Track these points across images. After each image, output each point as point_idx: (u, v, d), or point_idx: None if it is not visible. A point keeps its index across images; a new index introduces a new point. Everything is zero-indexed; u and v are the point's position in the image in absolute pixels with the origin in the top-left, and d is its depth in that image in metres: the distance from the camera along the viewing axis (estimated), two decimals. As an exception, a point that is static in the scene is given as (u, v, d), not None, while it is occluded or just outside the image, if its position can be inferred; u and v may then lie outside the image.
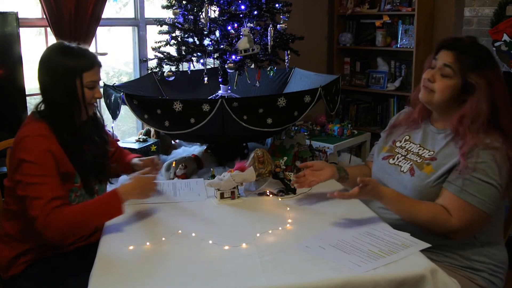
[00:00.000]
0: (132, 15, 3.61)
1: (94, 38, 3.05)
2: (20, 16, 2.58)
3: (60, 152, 1.61)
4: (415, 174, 1.65)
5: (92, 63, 1.68)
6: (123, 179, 2.44)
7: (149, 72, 3.06)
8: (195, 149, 3.20)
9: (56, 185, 1.56)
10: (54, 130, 1.62)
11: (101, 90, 1.82)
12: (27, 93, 2.82)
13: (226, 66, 2.73)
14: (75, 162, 1.66)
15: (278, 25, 2.85)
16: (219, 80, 3.03)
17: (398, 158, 1.76)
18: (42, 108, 1.67)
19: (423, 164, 1.65)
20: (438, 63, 1.62)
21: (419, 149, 1.72)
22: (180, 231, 1.56)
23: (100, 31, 3.30)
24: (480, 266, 1.61)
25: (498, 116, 1.57)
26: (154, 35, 3.03)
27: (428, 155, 1.67)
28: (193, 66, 2.94)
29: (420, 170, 1.65)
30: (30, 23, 3.01)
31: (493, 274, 1.61)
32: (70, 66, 1.63)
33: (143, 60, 3.41)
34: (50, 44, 3.08)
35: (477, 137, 1.54)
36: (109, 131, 3.21)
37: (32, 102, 2.99)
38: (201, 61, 2.83)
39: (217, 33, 2.80)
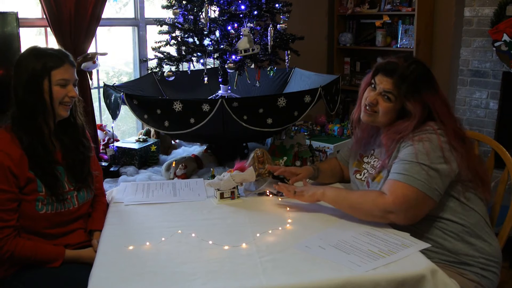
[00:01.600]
0: (132, 15, 3.61)
1: (94, 38, 3.04)
2: (20, 16, 2.58)
3: (19, 163, 1.58)
4: (370, 185, 1.74)
5: (62, 60, 1.66)
6: (123, 183, 2.43)
7: (149, 72, 3.06)
8: (195, 149, 3.19)
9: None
10: (19, 136, 1.61)
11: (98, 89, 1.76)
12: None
13: (226, 66, 2.72)
14: (35, 168, 1.62)
15: (278, 25, 2.84)
16: (219, 80, 3.03)
17: (364, 174, 1.83)
18: (14, 114, 1.64)
19: (375, 175, 1.73)
20: (379, 87, 1.69)
21: (374, 161, 1.80)
22: (180, 231, 1.56)
23: (100, 31, 3.29)
24: (470, 261, 1.61)
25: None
26: (154, 35, 3.03)
27: (378, 164, 1.75)
28: (193, 66, 2.94)
29: (372, 180, 1.73)
30: (30, 23, 3.01)
31: (484, 268, 1.61)
32: (37, 67, 1.62)
33: (143, 60, 3.40)
34: (49, 44, 3.09)
35: (395, 144, 1.66)
36: (109, 131, 3.22)
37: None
38: (201, 61, 2.83)
39: (217, 33, 2.79)
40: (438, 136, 1.60)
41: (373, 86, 1.72)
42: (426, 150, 1.57)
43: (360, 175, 1.84)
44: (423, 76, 1.68)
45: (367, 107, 1.72)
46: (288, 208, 1.77)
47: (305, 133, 3.61)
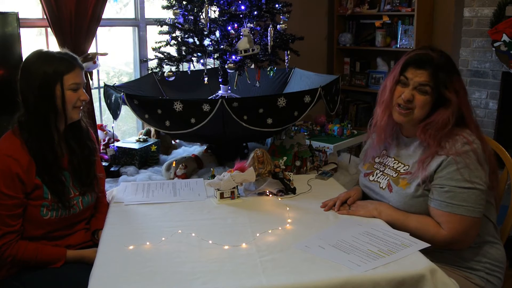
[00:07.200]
0: (132, 16, 3.61)
1: (94, 38, 3.05)
2: (20, 16, 2.58)
3: (28, 169, 1.58)
4: (393, 190, 1.68)
5: (73, 65, 1.64)
6: (123, 183, 2.43)
7: (149, 72, 3.06)
8: (195, 149, 3.20)
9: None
10: (28, 142, 1.59)
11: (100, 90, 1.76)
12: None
13: (226, 66, 2.73)
14: (42, 175, 1.61)
15: (278, 25, 2.85)
16: (219, 80, 3.04)
17: (377, 174, 1.79)
18: (23, 118, 1.63)
19: (399, 179, 1.68)
20: (413, 82, 1.61)
21: (394, 163, 1.75)
22: (180, 231, 1.56)
23: (101, 31, 3.30)
24: (476, 265, 1.61)
25: (465, 119, 1.61)
26: (154, 36, 3.04)
27: (404, 169, 1.69)
28: (193, 66, 2.94)
29: (396, 185, 1.68)
30: (30, 24, 3.02)
31: (490, 273, 1.62)
32: (49, 72, 1.59)
33: (143, 60, 3.41)
34: (50, 44, 3.09)
35: (439, 144, 1.58)
36: (110, 131, 3.23)
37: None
38: (201, 61, 2.83)
39: (217, 34, 2.80)
40: (474, 149, 1.55)
41: (403, 82, 1.64)
42: (469, 170, 1.53)
43: (373, 176, 1.80)
44: (451, 63, 1.65)
45: (402, 106, 1.63)
46: (288, 208, 1.77)
47: (305, 133, 3.61)
